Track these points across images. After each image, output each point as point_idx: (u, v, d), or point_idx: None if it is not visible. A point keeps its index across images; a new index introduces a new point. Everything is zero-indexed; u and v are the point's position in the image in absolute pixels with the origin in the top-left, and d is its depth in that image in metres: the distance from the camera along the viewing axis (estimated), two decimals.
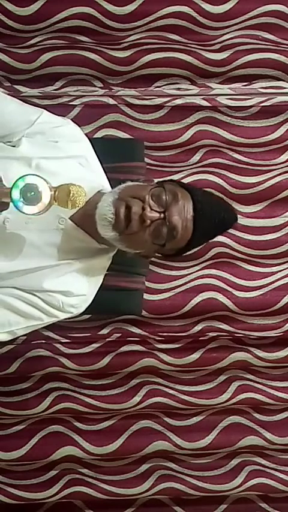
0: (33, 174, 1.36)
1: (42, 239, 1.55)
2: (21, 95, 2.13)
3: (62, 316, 1.60)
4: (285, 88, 2.25)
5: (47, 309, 1.57)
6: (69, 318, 1.63)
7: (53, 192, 1.36)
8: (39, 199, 1.34)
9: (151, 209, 1.47)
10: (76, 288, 1.58)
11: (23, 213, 1.35)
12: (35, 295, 1.55)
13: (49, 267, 1.56)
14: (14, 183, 1.34)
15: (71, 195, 1.36)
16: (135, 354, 2.24)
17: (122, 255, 1.67)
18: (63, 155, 1.61)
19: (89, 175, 1.63)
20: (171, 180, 1.61)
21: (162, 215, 1.48)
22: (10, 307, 1.55)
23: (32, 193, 1.34)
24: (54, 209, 1.39)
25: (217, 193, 2.15)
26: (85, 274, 1.60)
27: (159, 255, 1.60)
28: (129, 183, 1.56)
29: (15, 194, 1.34)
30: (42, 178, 1.35)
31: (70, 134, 1.68)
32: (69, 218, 1.57)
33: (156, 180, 1.63)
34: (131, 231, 1.48)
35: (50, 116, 1.68)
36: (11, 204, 1.35)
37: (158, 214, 1.48)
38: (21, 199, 1.34)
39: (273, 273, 2.28)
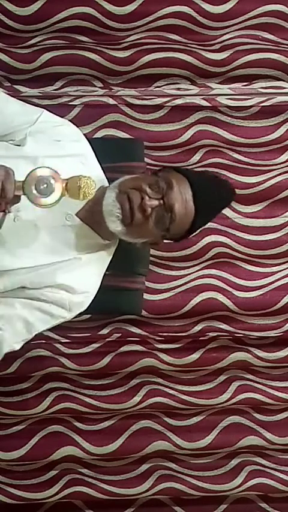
0: (45, 167, 1.39)
1: (50, 236, 1.59)
2: (21, 95, 2.13)
3: (69, 316, 1.62)
4: (285, 88, 2.25)
5: (54, 313, 1.60)
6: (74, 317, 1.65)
7: (64, 184, 1.39)
8: (52, 191, 1.39)
9: (150, 198, 1.53)
10: (83, 284, 1.61)
11: (36, 204, 1.38)
12: (43, 300, 1.58)
13: (57, 263, 1.59)
14: (27, 176, 1.36)
15: (82, 186, 1.41)
16: (135, 354, 2.24)
17: (122, 254, 1.68)
18: (65, 153, 1.64)
19: (90, 173, 1.64)
20: (166, 167, 1.66)
21: (161, 201, 1.53)
22: (25, 319, 1.58)
23: (45, 185, 1.38)
24: (61, 206, 1.42)
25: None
26: (90, 269, 1.64)
27: (170, 240, 1.65)
28: (126, 177, 1.60)
29: (28, 187, 1.37)
30: (53, 170, 1.38)
31: (71, 133, 1.71)
32: (76, 214, 1.60)
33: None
34: (137, 222, 1.53)
35: (50, 116, 1.71)
36: (22, 197, 1.38)
37: (157, 202, 1.53)
38: (34, 192, 1.37)
39: (273, 273, 2.28)
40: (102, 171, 1.72)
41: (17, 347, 1.62)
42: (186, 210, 1.56)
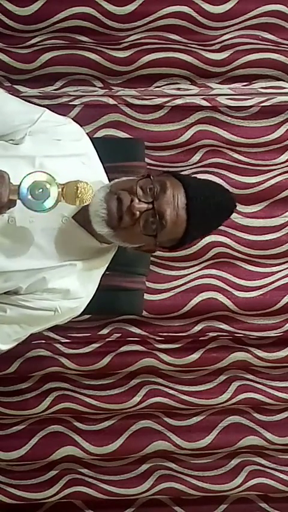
0: (41, 171, 1.36)
1: (45, 239, 1.55)
2: (21, 95, 2.13)
3: (60, 321, 1.61)
4: (285, 88, 2.25)
5: (45, 318, 1.59)
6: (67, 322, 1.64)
7: (60, 189, 1.37)
8: (47, 196, 1.35)
9: (139, 200, 1.46)
10: (77, 290, 1.58)
11: (32, 210, 1.35)
12: (34, 305, 1.56)
13: (53, 268, 1.56)
14: (22, 180, 1.34)
15: (79, 191, 1.37)
16: (135, 354, 2.24)
17: (123, 254, 1.67)
18: (66, 153, 1.61)
19: (91, 174, 1.63)
20: (166, 172, 1.61)
21: (150, 205, 1.47)
22: (14, 322, 1.57)
23: (40, 190, 1.35)
24: (58, 208, 1.39)
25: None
26: (86, 275, 1.61)
27: (164, 248, 1.59)
28: (122, 178, 1.56)
29: (24, 191, 1.34)
30: (50, 175, 1.36)
31: (72, 133, 1.68)
32: (72, 217, 1.57)
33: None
34: (124, 225, 1.47)
35: (51, 115, 1.68)
36: (18, 201, 1.36)
37: (146, 205, 1.47)
38: (30, 197, 1.34)
39: (273, 273, 2.28)
40: (104, 171, 1.70)
41: (4, 348, 1.60)
42: (177, 217, 1.48)
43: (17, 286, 1.56)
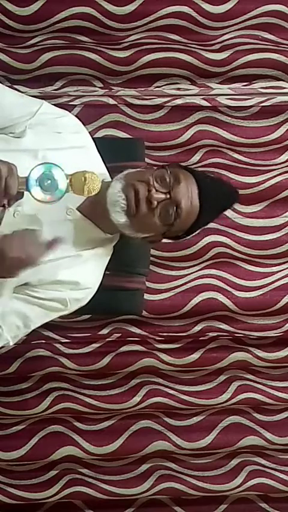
0: (49, 163, 1.37)
1: (51, 231, 1.55)
2: None
3: (68, 311, 1.63)
4: (285, 88, 2.25)
5: (54, 309, 1.60)
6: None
7: (68, 180, 1.38)
8: (56, 187, 1.37)
9: (156, 191, 1.52)
10: (84, 281, 1.61)
11: (39, 201, 1.36)
12: (43, 297, 1.58)
13: (60, 259, 1.57)
14: (30, 172, 1.35)
15: (86, 181, 1.39)
16: (135, 354, 2.24)
17: (123, 254, 1.67)
18: (67, 146, 1.63)
19: (92, 166, 1.63)
20: (172, 164, 1.64)
21: (168, 195, 1.52)
22: (24, 314, 1.59)
23: (49, 181, 1.37)
24: (62, 200, 1.40)
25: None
26: (91, 265, 1.63)
27: (169, 238, 1.63)
28: (132, 170, 1.59)
29: (32, 183, 1.35)
30: (57, 166, 1.37)
31: (71, 125, 1.70)
32: (77, 209, 1.59)
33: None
34: (142, 214, 1.52)
35: (50, 107, 1.69)
36: (26, 193, 1.37)
37: (163, 195, 1.52)
38: (38, 188, 1.36)
39: (273, 273, 2.28)
40: (103, 164, 1.71)
41: (12, 342, 1.61)
42: (191, 207, 1.55)
43: (26, 280, 1.57)
